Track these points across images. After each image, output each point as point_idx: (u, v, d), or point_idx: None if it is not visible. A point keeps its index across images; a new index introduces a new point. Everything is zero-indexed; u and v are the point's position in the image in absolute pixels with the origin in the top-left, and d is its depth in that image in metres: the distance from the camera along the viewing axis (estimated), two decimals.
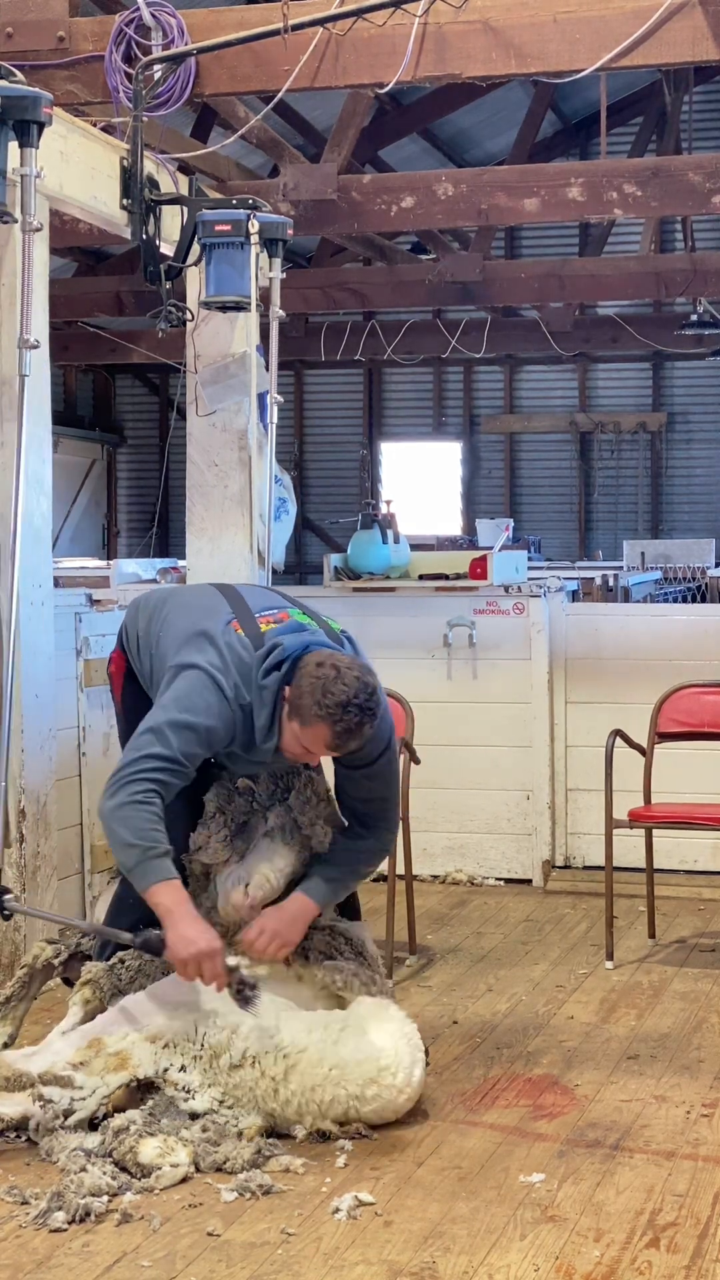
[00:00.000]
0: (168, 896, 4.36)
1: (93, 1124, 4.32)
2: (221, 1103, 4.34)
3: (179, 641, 4.61)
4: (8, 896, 4.90)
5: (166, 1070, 4.36)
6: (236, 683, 4.46)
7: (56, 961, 4.92)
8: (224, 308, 6.69)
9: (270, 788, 4.80)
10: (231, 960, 4.46)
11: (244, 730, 4.52)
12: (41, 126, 5.26)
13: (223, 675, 4.46)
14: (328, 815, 4.82)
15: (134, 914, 4.83)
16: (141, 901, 4.72)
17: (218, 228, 6.45)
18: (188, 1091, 4.33)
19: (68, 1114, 4.29)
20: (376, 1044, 4.42)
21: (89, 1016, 4.73)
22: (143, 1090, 4.38)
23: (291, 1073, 4.33)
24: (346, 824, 4.81)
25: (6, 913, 4.93)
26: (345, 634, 4.78)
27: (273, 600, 4.83)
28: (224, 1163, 4.17)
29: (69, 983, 4.93)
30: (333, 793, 4.84)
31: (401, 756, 6.13)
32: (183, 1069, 4.36)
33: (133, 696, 4.92)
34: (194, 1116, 4.32)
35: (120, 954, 4.82)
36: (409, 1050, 4.46)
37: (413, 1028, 4.57)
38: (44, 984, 4.98)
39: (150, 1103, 4.33)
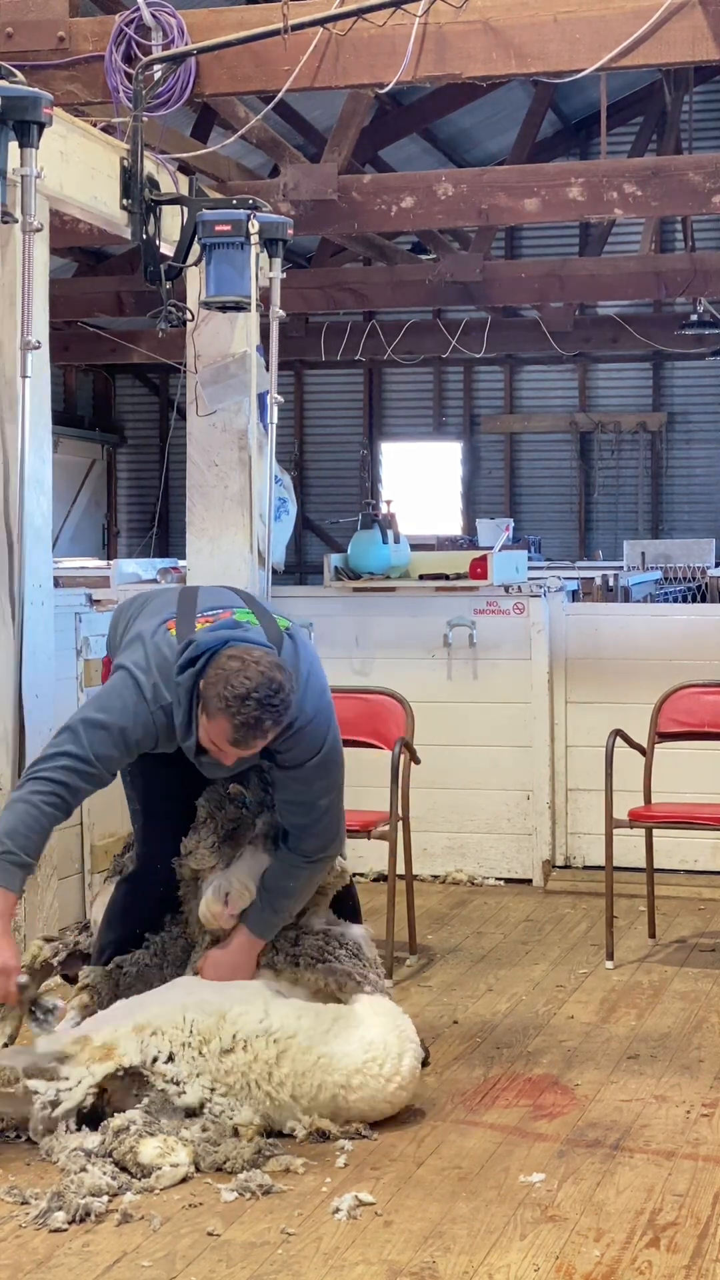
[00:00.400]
0: None
1: (84, 1119, 4.31)
2: (214, 1090, 4.34)
3: (127, 644, 4.63)
4: None
5: (155, 1060, 4.35)
6: (156, 682, 4.42)
7: (55, 961, 4.93)
8: (224, 308, 6.69)
9: (260, 795, 4.80)
10: (23, 979, 4.44)
11: (167, 730, 4.46)
12: (42, 126, 5.27)
13: (144, 674, 4.43)
14: None
15: (124, 927, 4.85)
16: (136, 912, 4.75)
17: (218, 228, 6.45)
18: (178, 1084, 4.32)
19: (54, 1105, 4.29)
20: (366, 1035, 4.43)
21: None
22: (132, 1082, 4.36)
23: (283, 1057, 4.34)
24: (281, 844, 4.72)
25: None
26: (290, 631, 4.66)
27: (224, 600, 4.75)
28: (224, 1163, 4.17)
29: (69, 980, 4.93)
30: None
31: (402, 757, 6.16)
32: (170, 1058, 4.35)
33: None
34: (190, 1114, 4.32)
35: (118, 959, 4.83)
36: (398, 1041, 4.47)
37: (406, 1021, 4.57)
38: (43, 983, 4.98)
39: (146, 1100, 4.32)
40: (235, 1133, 4.28)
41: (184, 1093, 4.32)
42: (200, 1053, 4.35)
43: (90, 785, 4.43)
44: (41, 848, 4.35)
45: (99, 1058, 4.32)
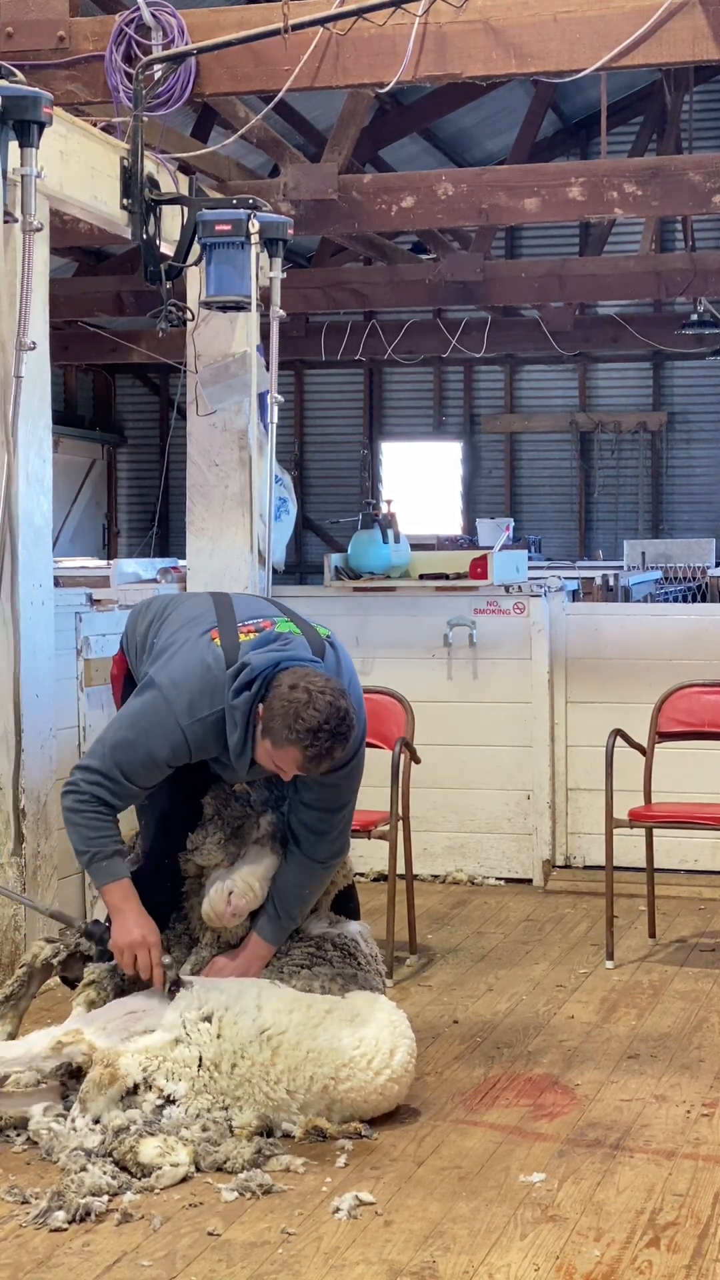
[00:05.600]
0: (117, 895, 4.56)
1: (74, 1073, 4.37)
2: (212, 1106, 4.34)
3: (160, 647, 4.67)
4: None
5: (153, 1078, 4.36)
6: (193, 699, 4.46)
7: (55, 961, 4.92)
8: (224, 308, 6.69)
9: (265, 794, 4.81)
10: (166, 959, 4.58)
11: (213, 742, 4.52)
12: (42, 126, 5.27)
13: (175, 690, 4.47)
14: None
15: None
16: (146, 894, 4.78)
17: (218, 227, 6.45)
18: (173, 1102, 4.32)
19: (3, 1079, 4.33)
20: (355, 1030, 4.43)
21: None
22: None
23: (276, 1055, 4.34)
24: (291, 845, 4.75)
25: None
26: (331, 640, 4.74)
27: (262, 609, 4.79)
28: (224, 1162, 4.17)
29: (68, 982, 4.93)
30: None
31: (402, 756, 6.16)
32: (170, 1076, 4.35)
33: None
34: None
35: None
36: (390, 1036, 4.47)
37: (400, 1015, 4.58)
38: (43, 983, 4.98)
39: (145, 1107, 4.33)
40: (230, 1129, 4.29)
41: (179, 1109, 4.31)
42: (211, 1080, 4.35)
43: (124, 800, 4.59)
44: (120, 833, 4.56)
45: (107, 1081, 4.30)
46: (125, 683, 5.01)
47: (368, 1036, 4.43)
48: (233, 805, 4.83)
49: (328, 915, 4.91)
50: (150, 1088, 4.31)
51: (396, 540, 8.43)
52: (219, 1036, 4.36)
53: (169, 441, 18.70)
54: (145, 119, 6.42)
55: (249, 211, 6.48)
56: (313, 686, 4.37)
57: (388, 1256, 3.71)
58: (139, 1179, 4.08)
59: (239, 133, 8.02)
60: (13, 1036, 4.83)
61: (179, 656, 4.55)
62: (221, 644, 4.55)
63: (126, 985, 4.75)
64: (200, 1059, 4.35)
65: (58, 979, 5.05)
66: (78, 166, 6.07)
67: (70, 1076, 4.43)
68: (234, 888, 4.68)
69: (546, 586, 7.82)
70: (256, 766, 4.56)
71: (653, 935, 6.59)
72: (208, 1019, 4.40)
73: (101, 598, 7.15)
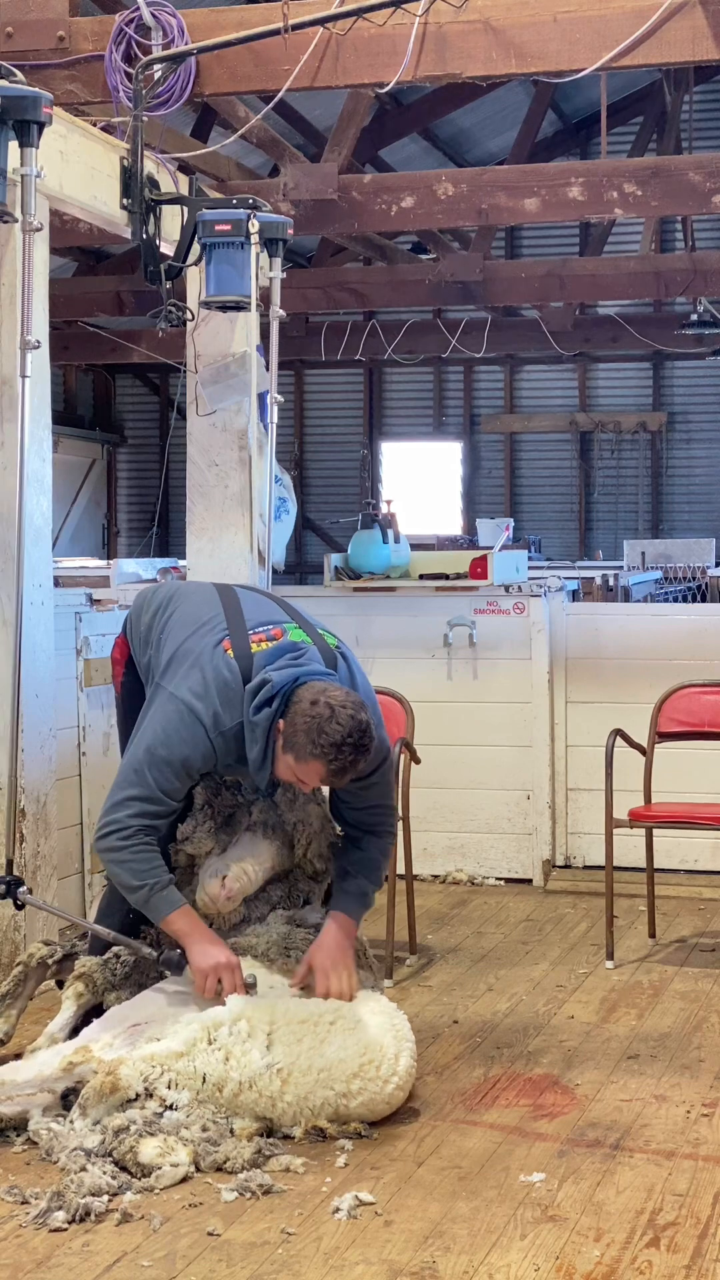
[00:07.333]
0: (182, 922, 4.60)
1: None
2: (218, 1113, 4.34)
3: (171, 655, 4.69)
4: (21, 889, 4.96)
5: (154, 1087, 4.35)
6: (216, 711, 4.53)
7: (51, 961, 4.93)
8: (224, 307, 6.68)
9: (253, 781, 4.83)
10: (250, 977, 4.59)
11: (233, 754, 4.59)
12: (41, 126, 5.26)
13: (201, 702, 4.53)
14: (312, 811, 4.85)
15: (119, 916, 4.87)
16: (126, 903, 4.80)
17: (218, 227, 6.45)
18: (174, 1109, 4.32)
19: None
20: (360, 1039, 4.43)
21: (81, 1011, 4.73)
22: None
23: (286, 1086, 4.34)
24: (344, 834, 4.90)
25: (20, 904, 5.02)
26: (341, 649, 4.80)
27: (270, 613, 4.82)
28: (224, 1162, 4.16)
29: (63, 986, 4.93)
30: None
31: (402, 756, 6.16)
32: (171, 1085, 4.35)
33: (132, 684, 5.02)
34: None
35: (115, 949, 4.83)
36: (394, 1041, 4.48)
37: (402, 1018, 4.59)
38: (40, 983, 4.98)
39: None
40: (230, 1131, 4.29)
41: (187, 1124, 4.30)
42: (213, 1096, 4.34)
43: (164, 820, 4.64)
44: (166, 864, 4.62)
45: (108, 1090, 4.30)
46: (125, 669, 5.05)
47: (373, 1044, 4.43)
48: (223, 794, 4.88)
49: (324, 907, 4.93)
50: (152, 1096, 4.30)
51: (396, 540, 8.43)
52: (226, 1061, 4.35)
53: (169, 441, 18.70)
54: (145, 119, 6.42)
55: (249, 211, 6.47)
56: (334, 701, 4.44)
57: (388, 1256, 3.71)
58: (139, 1179, 4.08)
59: (239, 133, 8.02)
60: (9, 1035, 4.84)
61: (198, 669, 4.58)
62: (235, 655, 4.59)
63: (117, 980, 4.75)
64: (205, 1077, 4.33)
65: (55, 980, 5.06)
66: (78, 166, 6.07)
67: (70, 1090, 4.43)
68: (228, 872, 4.72)
69: (546, 586, 7.82)
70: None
71: (653, 935, 6.59)
72: (213, 1041, 4.38)
73: (101, 598, 7.15)
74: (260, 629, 4.69)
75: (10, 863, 5.28)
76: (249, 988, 4.56)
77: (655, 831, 6.59)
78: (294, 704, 4.46)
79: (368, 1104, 4.41)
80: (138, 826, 4.53)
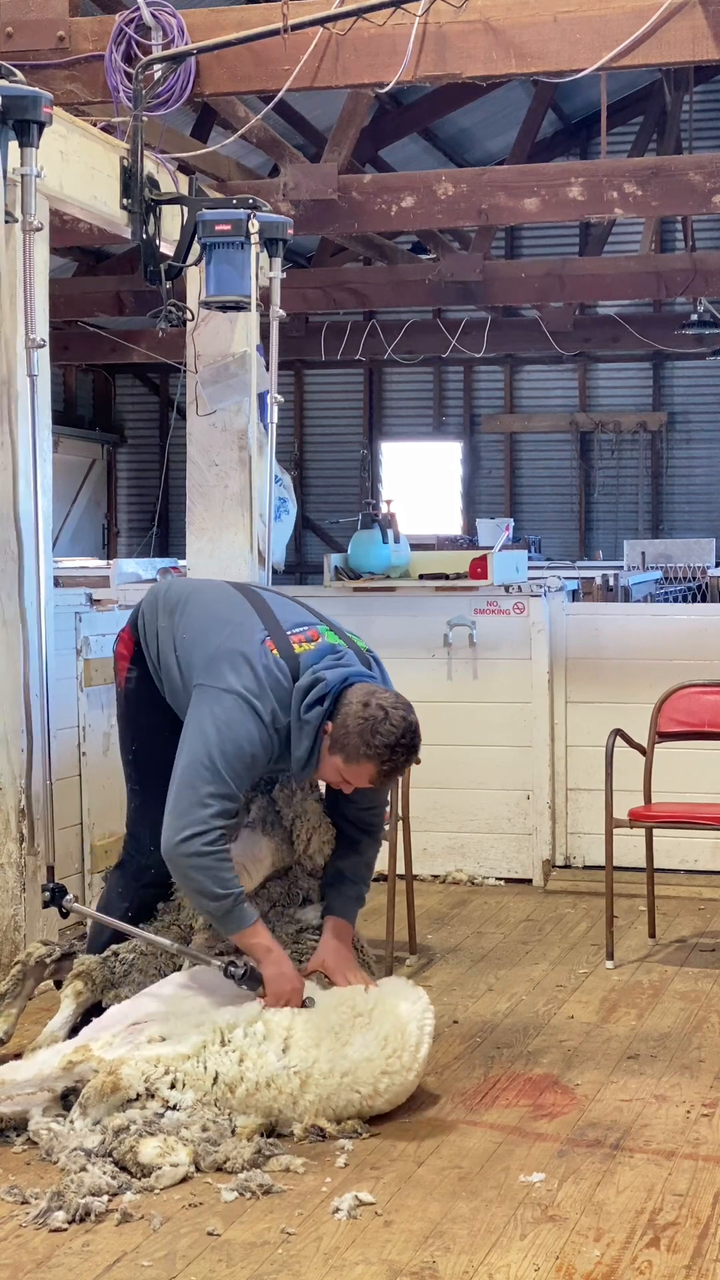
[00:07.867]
0: (263, 936, 4.56)
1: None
2: (221, 1114, 4.34)
3: (212, 654, 4.60)
4: (68, 898, 4.94)
5: (156, 1087, 4.35)
6: (274, 708, 4.50)
7: (49, 960, 4.92)
8: (224, 307, 6.68)
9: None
10: (306, 995, 4.58)
11: (278, 752, 4.58)
12: (41, 126, 5.27)
13: (259, 700, 4.49)
14: (311, 807, 4.85)
15: (118, 914, 4.87)
16: (129, 899, 4.82)
17: (218, 227, 6.45)
18: (176, 1109, 4.31)
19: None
20: (382, 1033, 4.46)
21: (81, 1009, 4.73)
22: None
23: (306, 1085, 4.34)
24: (340, 834, 4.88)
25: (65, 911, 5.00)
26: (372, 653, 4.81)
27: (300, 615, 4.81)
28: (224, 1162, 4.16)
29: (61, 986, 4.93)
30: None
31: None
32: (174, 1085, 4.34)
33: (136, 679, 4.95)
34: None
35: (113, 946, 4.83)
36: (416, 1031, 4.51)
37: (423, 1001, 4.64)
38: (39, 982, 4.98)
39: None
40: (232, 1130, 4.29)
41: (187, 1124, 4.29)
42: (224, 1097, 4.33)
43: (236, 822, 4.61)
44: (239, 878, 4.54)
45: (109, 1090, 4.29)
46: (130, 663, 4.98)
47: (393, 1037, 4.46)
48: None
49: (322, 904, 4.94)
50: (154, 1097, 4.30)
51: (396, 540, 8.43)
52: (241, 1063, 4.35)
53: (169, 441, 18.70)
54: (145, 119, 6.42)
55: (249, 211, 6.47)
56: (385, 703, 4.46)
57: (388, 1256, 3.71)
58: (139, 1179, 4.08)
59: (239, 133, 8.01)
60: (9, 1034, 4.83)
61: (248, 667, 4.52)
62: (280, 654, 4.57)
63: (116, 978, 4.75)
64: (216, 1076, 4.33)
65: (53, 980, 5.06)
66: (78, 166, 6.07)
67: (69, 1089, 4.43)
68: None
69: (546, 586, 7.82)
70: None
71: (653, 935, 6.59)
72: (226, 1043, 4.38)
73: (101, 598, 7.15)
74: (297, 630, 4.67)
75: (51, 870, 5.21)
76: (309, 1000, 4.56)
77: (655, 831, 6.58)
78: (343, 705, 4.46)
79: (392, 1101, 4.48)
80: (220, 829, 4.43)
